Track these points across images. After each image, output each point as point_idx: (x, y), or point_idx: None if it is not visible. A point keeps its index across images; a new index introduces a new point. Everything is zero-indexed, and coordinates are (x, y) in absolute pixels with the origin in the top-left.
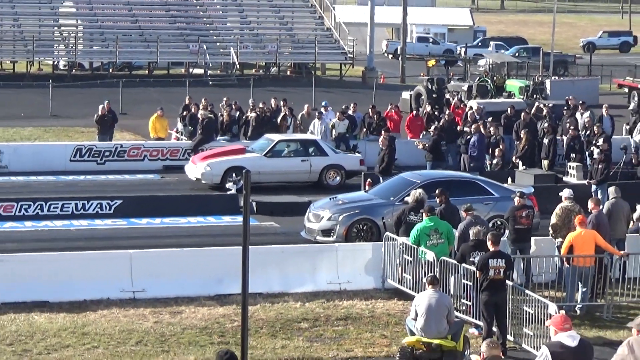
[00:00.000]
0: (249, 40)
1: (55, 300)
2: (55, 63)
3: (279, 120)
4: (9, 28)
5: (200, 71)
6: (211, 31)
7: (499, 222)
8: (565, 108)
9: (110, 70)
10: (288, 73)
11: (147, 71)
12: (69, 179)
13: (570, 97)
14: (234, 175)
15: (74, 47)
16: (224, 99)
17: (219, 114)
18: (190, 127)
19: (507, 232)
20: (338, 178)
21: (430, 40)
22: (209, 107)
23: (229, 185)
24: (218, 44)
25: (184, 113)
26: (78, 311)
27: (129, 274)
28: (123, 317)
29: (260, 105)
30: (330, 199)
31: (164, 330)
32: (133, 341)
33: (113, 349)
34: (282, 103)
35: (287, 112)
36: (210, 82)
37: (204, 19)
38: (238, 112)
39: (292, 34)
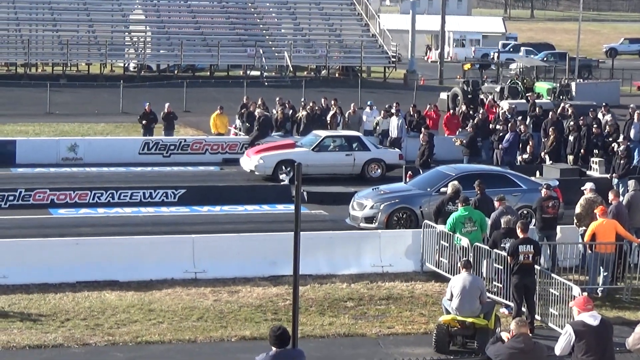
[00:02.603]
0: (301, 45)
1: (125, 280)
2: (125, 65)
3: (328, 118)
4: (84, 33)
5: (256, 73)
6: (267, 37)
7: (525, 212)
8: (591, 110)
9: (176, 71)
10: (336, 75)
11: (208, 73)
12: (138, 170)
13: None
14: (284, 167)
15: (142, 51)
16: (278, 98)
17: (274, 112)
18: (247, 124)
19: (534, 220)
20: (379, 171)
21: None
22: (264, 106)
23: (281, 176)
24: (273, 48)
25: (242, 111)
26: (145, 290)
27: (191, 256)
28: (186, 296)
29: (311, 104)
30: (372, 189)
31: (223, 308)
32: (194, 317)
33: (176, 324)
34: (332, 102)
35: (337, 111)
36: (266, 83)
37: (261, 26)
38: (291, 111)
39: (341, 40)
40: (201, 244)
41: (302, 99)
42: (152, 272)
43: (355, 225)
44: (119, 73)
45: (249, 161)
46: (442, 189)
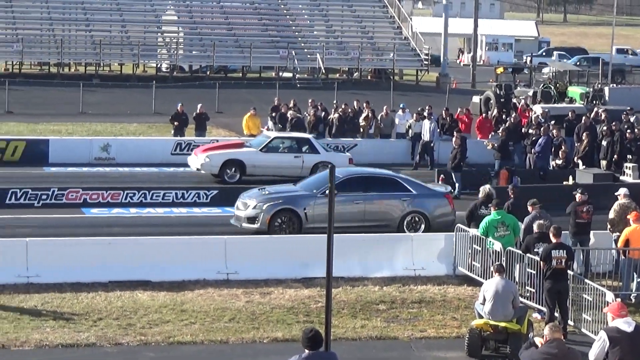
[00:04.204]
0: (333, 47)
1: (157, 280)
2: (158, 66)
3: (361, 121)
4: (117, 34)
5: (289, 75)
6: (299, 39)
7: (416, 218)
8: (624, 113)
9: (208, 72)
10: (369, 77)
11: (241, 74)
12: (170, 170)
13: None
14: (233, 169)
15: (175, 52)
16: (310, 100)
17: (305, 113)
18: (279, 125)
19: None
20: None
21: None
22: (296, 108)
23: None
24: (305, 50)
25: (273, 113)
26: (177, 290)
27: (223, 257)
28: (218, 297)
29: (343, 107)
30: (258, 189)
31: (255, 309)
32: (226, 318)
33: (208, 325)
34: (364, 105)
35: (369, 113)
36: (298, 85)
37: (293, 28)
38: (323, 113)
39: (373, 42)
40: (233, 245)
41: (334, 101)
42: (184, 272)
43: (238, 225)
44: (152, 73)
45: (196, 159)
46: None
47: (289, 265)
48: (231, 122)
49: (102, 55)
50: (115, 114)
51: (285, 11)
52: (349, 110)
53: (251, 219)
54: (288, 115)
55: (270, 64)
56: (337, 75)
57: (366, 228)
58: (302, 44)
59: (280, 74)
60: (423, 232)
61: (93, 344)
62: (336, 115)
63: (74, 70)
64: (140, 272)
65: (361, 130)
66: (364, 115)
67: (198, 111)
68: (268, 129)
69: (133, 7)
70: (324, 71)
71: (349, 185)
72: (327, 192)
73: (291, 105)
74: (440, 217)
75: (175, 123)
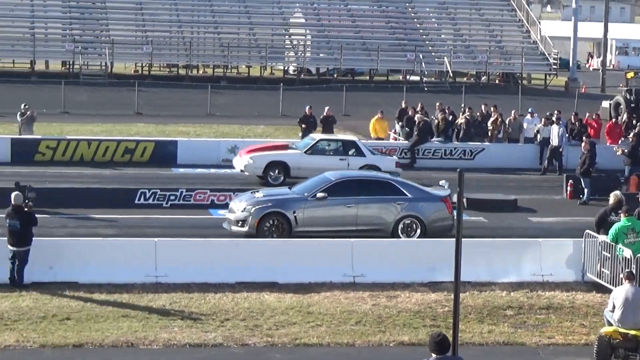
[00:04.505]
0: (461, 50)
1: (284, 282)
2: (285, 68)
3: (489, 125)
4: (245, 36)
5: (416, 78)
6: (427, 42)
7: (412, 223)
8: None
9: (335, 75)
10: (497, 81)
11: (368, 77)
12: None
13: None
14: (276, 171)
15: (302, 54)
16: (438, 103)
17: (433, 117)
18: (407, 129)
19: None
20: None
21: None
22: (424, 111)
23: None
24: (433, 53)
25: (399, 116)
26: (304, 292)
27: (350, 260)
28: (344, 299)
29: (469, 111)
30: (250, 192)
31: (381, 312)
32: (353, 321)
33: (335, 328)
34: (492, 109)
35: (498, 117)
36: (425, 88)
37: (420, 31)
38: (451, 116)
39: (501, 46)
40: (360, 248)
41: (462, 105)
42: (311, 274)
43: (228, 229)
44: (279, 76)
45: (240, 161)
46: (319, 194)
47: (415, 268)
48: (358, 125)
49: (230, 58)
50: (242, 116)
51: (412, 14)
52: (478, 114)
53: (240, 222)
54: (415, 118)
55: (397, 67)
56: (465, 78)
57: (359, 232)
58: (430, 47)
59: (408, 77)
60: (419, 237)
61: (220, 344)
62: (463, 119)
63: (202, 73)
64: (267, 273)
65: (489, 134)
66: (492, 119)
67: (325, 114)
68: (395, 132)
69: (261, 10)
70: (451, 75)
71: (342, 188)
72: (317, 195)
73: (418, 108)
74: (436, 222)
75: (303, 125)
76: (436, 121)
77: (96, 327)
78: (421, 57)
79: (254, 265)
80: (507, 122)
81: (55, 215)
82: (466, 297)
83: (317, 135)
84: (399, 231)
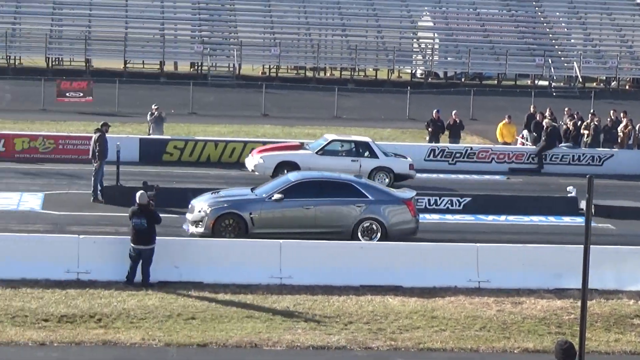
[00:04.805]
0: (591, 55)
1: (408, 286)
2: (413, 71)
3: (619, 131)
4: (373, 39)
5: (544, 83)
6: (556, 47)
7: (372, 225)
8: None
9: (463, 79)
10: (626, 87)
11: (496, 81)
12: (423, 176)
13: None
14: (286, 171)
15: (430, 58)
16: (566, 109)
17: (561, 122)
18: (534, 134)
19: None
20: (387, 180)
21: None
22: (552, 116)
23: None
24: (562, 58)
25: (527, 121)
26: (428, 296)
27: (475, 265)
28: (469, 305)
29: (596, 117)
30: (211, 193)
31: (506, 319)
32: (477, 327)
33: (459, 333)
34: (621, 115)
35: (628, 123)
36: (554, 94)
37: (550, 35)
38: (579, 122)
39: (632, 51)
40: (485, 253)
41: (591, 111)
42: (435, 279)
43: (186, 230)
44: (406, 79)
45: (252, 160)
46: (275, 196)
47: (541, 275)
48: (485, 130)
49: (357, 60)
50: (369, 119)
51: (542, 18)
52: (608, 120)
53: (196, 223)
54: (544, 123)
55: (525, 72)
56: (594, 84)
57: (318, 234)
58: (559, 52)
59: (536, 82)
60: (379, 240)
61: (343, 347)
62: (592, 124)
63: (330, 75)
64: (392, 277)
65: (619, 140)
66: (622, 125)
67: (452, 118)
68: (523, 137)
69: (389, 13)
70: (580, 80)
71: (300, 190)
72: (273, 196)
73: (547, 114)
74: (398, 225)
75: (430, 129)
76: (564, 126)
77: (220, 327)
78: (550, 61)
79: (379, 268)
80: (637, 128)
81: (182, 215)
82: (592, 305)
83: (329, 136)
84: (359, 234)
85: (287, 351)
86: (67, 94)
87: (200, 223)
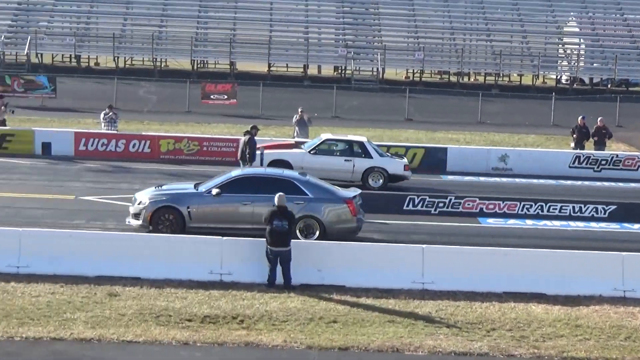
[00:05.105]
0: None
1: (552, 293)
2: (558, 77)
3: None
4: (518, 44)
5: None
6: None
7: (310, 223)
8: None
9: (609, 85)
10: None
11: None
12: (568, 183)
13: None
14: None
15: (576, 64)
16: None
17: None
18: None
19: None
20: (381, 180)
21: None
22: None
23: None
24: None
25: None
26: (572, 305)
27: (620, 274)
28: (613, 314)
29: None
30: (155, 187)
31: None
32: (622, 337)
33: (603, 342)
34: None
35: None
36: None
37: None
38: None
39: None
40: (631, 262)
41: None
42: (579, 287)
43: (127, 222)
44: (551, 85)
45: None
46: (213, 191)
47: None
48: (632, 137)
49: (502, 66)
50: (513, 125)
51: None
52: None
53: (136, 215)
54: None
55: None
56: None
57: (255, 231)
58: None
59: None
60: (317, 238)
61: (486, 354)
62: None
63: (474, 80)
64: (535, 284)
65: None
66: None
67: (598, 124)
68: None
69: (535, 18)
70: None
71: (238, 185)
72: (212, 191)
73: None
74: (337, 224)
75: (575, 135)
76: None
77: (362, 331)
78: None
79: (522, 275)
80: None
81: None
82: None
83: (324, 135)
84: (297, 232)
85: (428, 357)
86: (212, 96)
87: (139, 216)
